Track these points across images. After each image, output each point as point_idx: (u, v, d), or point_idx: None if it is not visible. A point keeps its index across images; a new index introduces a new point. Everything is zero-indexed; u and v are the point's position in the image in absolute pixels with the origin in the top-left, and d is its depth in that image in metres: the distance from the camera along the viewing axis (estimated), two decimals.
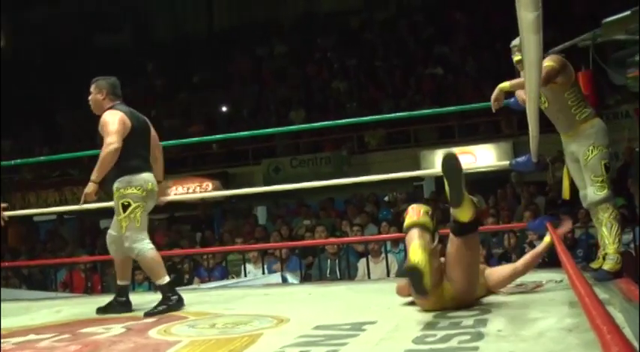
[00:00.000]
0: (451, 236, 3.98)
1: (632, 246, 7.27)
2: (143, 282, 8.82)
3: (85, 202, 4.84)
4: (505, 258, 8.10)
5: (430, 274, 3.60)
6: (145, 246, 4.78)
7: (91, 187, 4.71)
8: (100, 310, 4.89)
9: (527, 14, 2.59)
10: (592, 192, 4.48)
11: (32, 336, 4.07)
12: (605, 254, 4.45)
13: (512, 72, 4.91)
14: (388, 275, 7.51)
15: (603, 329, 1.88)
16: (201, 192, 16.07)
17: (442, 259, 4.00)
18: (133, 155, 4.80)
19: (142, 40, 24.01)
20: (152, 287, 8.74)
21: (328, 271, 8.31)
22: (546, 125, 4.67)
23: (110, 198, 4.97)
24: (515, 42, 4.56)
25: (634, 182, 4.45)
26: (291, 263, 8.79)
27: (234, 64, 20.93)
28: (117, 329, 4.14)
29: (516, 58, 4.59)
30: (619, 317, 3.10)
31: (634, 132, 11.20)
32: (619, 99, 13.00)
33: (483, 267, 4.33)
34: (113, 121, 4.76)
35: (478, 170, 10.21)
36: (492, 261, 7.88)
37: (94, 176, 4.71)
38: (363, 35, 20.46)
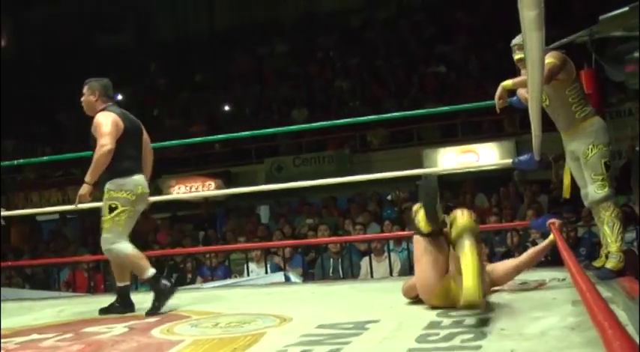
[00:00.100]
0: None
1: (635, 244, 7.27)
2: (145, 282, 8.81)
3: (80, 203, 4.87)
4: (508, 257, 8.03)
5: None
6: (124, 245, 4.80)
7: (85, 188, 4.76)
8: (103, 310, 4.89)
9: (529, 12, 2.59)
10: (593, 190, 4.47)
11: (35, 336, 4.08)
12: (608, 252, 4.45)
13: (514, 71, 4.90)
14: (391, 274, 7.51)
15: (606, 327, 1.88)
16: (203, 191, 16.08)
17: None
18: (125, 157, 4.83)
19: (143, 40, 24.03)
20: None
21: (331, 270, 8.30)
22: (549, 124, 4.66)
23: None
24: (516, 40, 4.56)
25: (634, 181, 4.44)
26: (293, 261, 8.80)
27: (235, 64, 20.94)
28: (119, 328, 4.14)
29: (517, 56, 4.58)
30: (622, 316, 3.10)
31: (635, 130, 11.19)
32: (622, 98, 12.97)
33: (485, 264, 4.33)
34: (106, 123, 4.79)
35: (481, 168, 10.19)
36: (495, 259, 7.87)
37: (88, 177, 4.76)
38: (364, 34, 20.46)
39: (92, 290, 8.38)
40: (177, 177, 16.77)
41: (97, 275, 9.13)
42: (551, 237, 4.62)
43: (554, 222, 4.88)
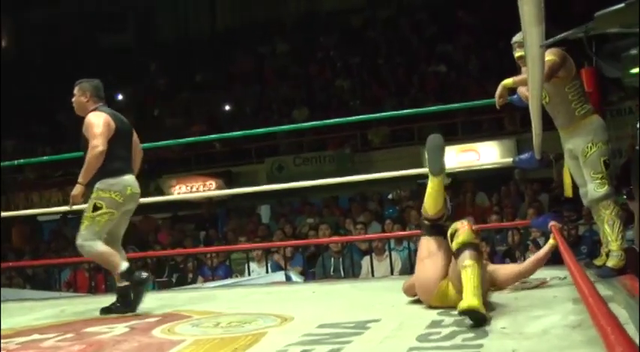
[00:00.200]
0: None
1: (635, 242, 7.25)
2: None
3: (74, 204, 4.89)
4: (509, 256, 8.09)
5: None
6: (96, 243, 4.82)
7: (78, 189, 4.81)
8: (104, 310, 4.89)
9: (529, 7, 2.59)
10: (592, 189, 4.46)
11: (36, 336, 4.07)
12: (609, 251, 4.44)
13: (514, 70, 4.90)
14: (392, 273, 7.51)
15: (605, 326, 1.88)
16: (204, 191, 16.09)
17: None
18: (115, 157, 4.87)
19: (144, 39, 24.03)
20: (156, 286, 8.77)
21: (332, 269, 8.30)
22: (549, 122, 4.67)
23: None
24: (516, 38, 4.56)
25: (634, 180, 4.43)
26: (294, 261, 8.80)
27: (236, 64, 20.94)
28: (120, 328, 4.14)
29: (517, 53, 4.59)
30: (623, 314, 3.09)
31: (636, 128, 11.18)
32: (622, 96, 12.96)
33: (486, 263, 4.33)
34: (98, 123, 4.83)
35: (481, 167, 10.19)
36: (496, 258, 7.88)
37: (81, 179, 4.80)
38: (365, 33, 20.46)
39: (93, 290, 8.38)
40: (178, 177, 16.79)
41: (98, 276, 9.11)
42: (551, 241, 4.61)
43: (554, 224, 4.88)
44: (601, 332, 1.92)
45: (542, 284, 4.49)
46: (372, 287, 5.67)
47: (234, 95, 19.79)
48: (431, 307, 3.97)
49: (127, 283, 5.01)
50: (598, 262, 4.63)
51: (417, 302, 4.17)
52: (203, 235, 13.13)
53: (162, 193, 15.41)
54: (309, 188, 9.83)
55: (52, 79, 20.31)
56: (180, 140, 9.87)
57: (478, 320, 3.37)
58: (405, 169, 7.45)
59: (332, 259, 8.37)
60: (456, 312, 3.71)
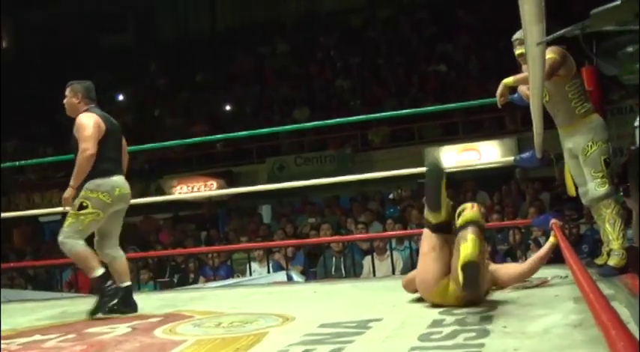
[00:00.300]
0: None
1: (635, 240, 7.25)
2: (148, 282, 8.84)
3: (65, 206, 4.91)
4: (510, 255, 8.09)
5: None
6: (77, 242, 4.82)
7: (69, 192, 4.82)
8: (106, 310, 4.89)
9: (529, 4, 2.58)
10: (593, 188, 4.46)
11: (38, 336, 4.08)
12: (610, 250, 4.44)
13: (515, 70, 4.90)
14: (393, 272, 7.51)
15: (608, 325, 1.88)
16: (205, 191, 16.09)
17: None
18: (105, 158, 4.89)
19: (144, 39, 24.05)
20: (157, 286, 8.77)
21: (333, 269, 8.30)
22: (550, 121, 4.66)
23: None
24: (517, 35, 4.56)
25: (632, 179, 4.44)
26: (296, 261, 8.80)
27: (236, 64, 20.96)
28: (122, 328, 4.14)
29: (518, 51, 4.58)
30: (624, 313, 3.09)
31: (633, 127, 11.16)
32: (623, 95, 12.95)
33: (488, 262, 4.33)
34: (88, 125, 4.84)
35: (482, 166, 10.18)
36: (498, 257, 7.87)
37: (72, 182, 4.82)
38: (365, 33, 20.47)
39: (94, 290, 8.38)
40: (179, 177, 16.80)
41: None
42: (551, 239, 4.60)
43: (555, 222, 4.88)
44: (603, 330, 1.92)
45: (543, 284, 4.49)
46: (374, 286, 5.67)
47: (235, 95, 19.81)
48: (432, 306, 3.97)
49: (128, 283, 5.02)
50: (599, 261, 4.63)
51: (419, 301, 4.17)
52: (204, 235, 13.14)
53: (163, 193, 15.43)
54: (310, 188, 9.83)
55: (52, 79, 20.32)
56: (182, 140, 9.87)
57: (473, 270, 3.58)
58: (405, 169, 7.46)
59: (333, 259, 8.37)
60: (458, 311, 3.72)
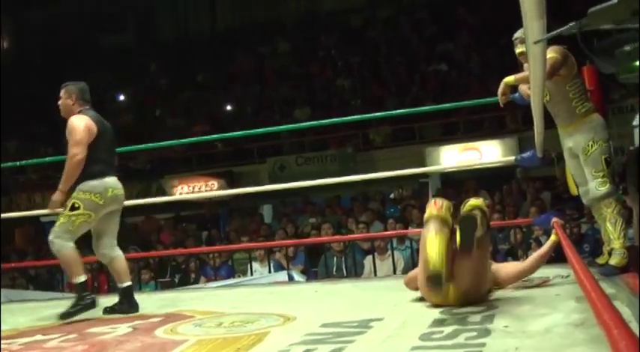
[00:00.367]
0: None
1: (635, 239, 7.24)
2: (149, 282, 8.84)
3: (52, 208, 4.94)
4: (511, 254, 8.09)
5: (446, 271, 3.74)
6: (67, 243, 4.84)
7: (57, 196, 4.88)
8: (107, 310, 4.90)
9: (531, 2, 2.57)
10: (594, 187, 4.45)
11: (39, 336, 4.08)
12: (611, 249, 4.43)
13: (516, 69, 4.90)
14: (394, 272, 7.51)
15: (610, 324, 1.88)
16: (206, 191, 16.09)
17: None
18: (97, 160, 4.90)
19: (144, 39, 24.05)
20: (159, 286, 8.78)
21: (334, 269, 8.30)
22: (551, 120, 4.66)
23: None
24: (518, 34, 4.55)
25: (630, 180, 4.43)
26: (297, 260, 8.80)
27: (236, 64, 20.96)
28: (123, 328, 4.15)
29: (518, 50, 4.58)
30: (626, 312, 3.09)
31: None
32: (624, 94, 12.95)
33: (490, 262, 4.33)
34: (79, 129, 4.85)
35: (483, 166, 10.19)
36: (499, 256, 7.87)
37: (61, 185, 4.89)
38: (365, 33, 20.47)
39: (96, 290, 8.38)
40: (180, 177, 16.80)
41: (101, 276, 9.13)
42: (552, 237, 4.60)
43: (557, 222, 4.87)
44: (604, 329, 1.92)
45: (544, 283, 4.49)
46: (375, 286, 5.67)
47: (235, 95, 19.81)
48: (433, 306, 3.97)
49: (128, 283, 5.03)
50: (600, 260, 4.62)
51: (420, 300, 4.17)
52: (205, 235, 13.15)
53: (164, 193, 15.44)
54: (311, 188, 9.82)
55: (52, 79, 20.33)
56: (183, 140, 9.87)
57: (437, 281, 3.73)
58: (406, 168, 7.46)
59: (334, 258, 8.37)
60: (459, 311, 3.72)
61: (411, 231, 8.23)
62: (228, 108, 19.93)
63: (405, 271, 7.68)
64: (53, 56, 22.22)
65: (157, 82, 21.65)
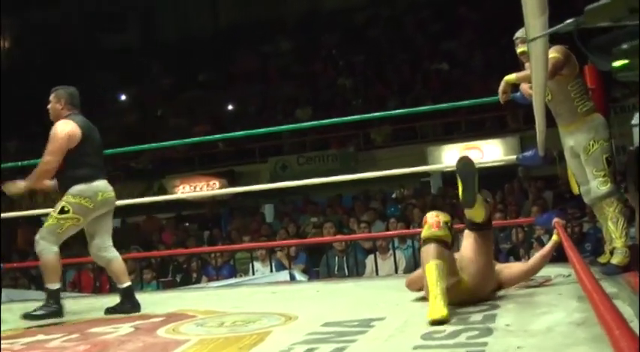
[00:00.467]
0: (467, 231, 4.10)
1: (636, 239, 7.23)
2: (151, 282, 8.84)
3: (7, 191, 5.02)
4: (513, 253, 8.09)
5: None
6: (51, 247, 4.84)
7: (19, 186, 5.00)
8: (109, 310, 4.91)
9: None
10: (595, 186, 4.44)
11: (41, 336, 4.08)
12: (613, 248, 4.43)
13: (518, 67, 4.89)
14: (396, 271, 7.51)
15: (611, 323, 1.88)
16: (208, 190, 16.10)
17: (456, 255, 4.00)
18: (85, 164, 4.92)
19: (146, 39, 24.07)
20: (160, 286, 8.78)
21: (336, 268, 8.30)
22: (553, 119, 4.66)
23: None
24: (519, 33, 4.55)
25: (629, 179, 4.43)
26: (298, 260, 8.80)
27: (238, 63, 20.96)
28: (125, 328, 4.15)
29: (520, 49, 4.58)
30: (627, 311, 3.09)
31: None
32: (626, 93, 12.93)
33: (493, 263, 4.33)
34: (59, 135, 4.90)
35: (485, 165, 10.17)
36: (501, 256, 7.87)
37: (28, 182, 5.00)
38: (368, 32, 20.45)
39: (97, 290, 8.39)
40: (182, 176, 16.81)
41: (103, 276, 9.13)
42: (554, 237, 4.60)
43: (558, 221, 4.87)
44: (606, 329, 1.91)
45: (546, 282, 4.48)
46: (376, 285, 5.66)
47: (237, 94, 19.82)
48: None
49: (128, 283, 5.03)
50: (602, 260, 4.62)
51: (422, 300, 4.16)
52: (207, 235, 13.14)
53: (166, 193, 15.45)
54: (313, 187, 9.85)
55: (52, 79, 20.32)
56: (184, 140, 9.87)
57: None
58: (408, 167, 7.45)
59: (336, 258, 8.37)
60: (460, 310, 3.71)
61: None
62: (231, 107, 19.93)
63: (407, 270, 7.69)
64: (53, 56, 22.23)
65: (159, 81, 21.67)
